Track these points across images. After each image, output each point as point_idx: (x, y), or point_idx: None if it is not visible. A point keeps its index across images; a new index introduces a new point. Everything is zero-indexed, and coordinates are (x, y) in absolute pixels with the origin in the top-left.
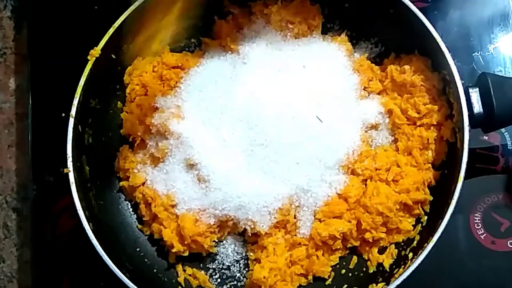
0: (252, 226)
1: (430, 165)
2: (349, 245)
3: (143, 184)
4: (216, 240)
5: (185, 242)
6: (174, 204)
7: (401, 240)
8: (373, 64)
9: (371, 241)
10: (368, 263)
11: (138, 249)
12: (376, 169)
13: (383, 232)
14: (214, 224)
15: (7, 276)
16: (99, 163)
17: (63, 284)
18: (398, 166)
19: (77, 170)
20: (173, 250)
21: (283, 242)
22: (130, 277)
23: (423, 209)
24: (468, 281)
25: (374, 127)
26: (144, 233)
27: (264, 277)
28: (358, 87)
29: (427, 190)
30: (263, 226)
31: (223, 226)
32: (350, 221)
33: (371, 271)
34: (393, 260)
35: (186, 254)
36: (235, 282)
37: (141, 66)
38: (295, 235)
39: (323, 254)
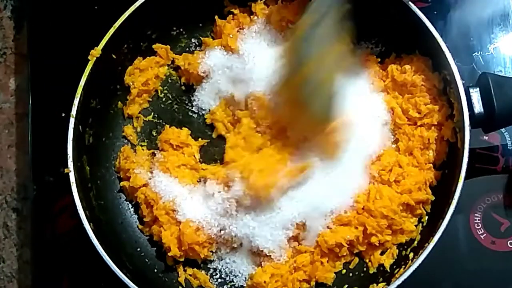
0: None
1: (431, 165)
2: (355, 251)
3: (145, 185)
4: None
5: (183, 248)
6: (176, 210)
7: (404, 241)
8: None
9: (377, 245)
10: (369, 264)
11: (138, 249)
12: (379, 170)
13: (388, 235)
14: (215, 237)
15: (7, 276)
16: (99, 163)
17: (63, 284)
18: (400, 166)
19: (78, 170)
20: (170, 254)
21: (289, 249)
22: (130, 277)
23: (424, 209)
24: (468, 281)
25: (385, 125)
26: (145, 233)
27: (265, 282)
28: (367, 81)
29: (429, 190)
30: (275, 244)
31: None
32: (357, 228)
33: (371, 271)
34: (394, 260)
35: (182, 259)
36: (236, 283)
37: (141, 67)
38: (301, 243)
39: (327, 261)
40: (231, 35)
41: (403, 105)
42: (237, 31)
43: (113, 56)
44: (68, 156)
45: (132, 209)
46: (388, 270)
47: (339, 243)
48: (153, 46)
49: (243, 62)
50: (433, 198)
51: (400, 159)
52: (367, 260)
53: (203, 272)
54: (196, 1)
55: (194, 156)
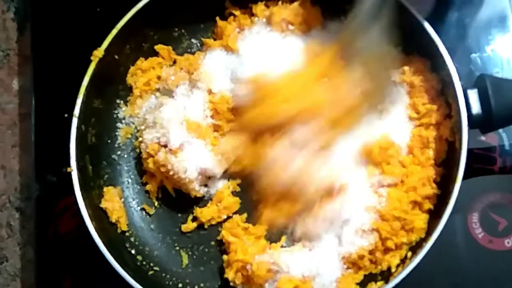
0: None
1: (432, 162)
2: (374, 259)
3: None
4: None
5: None
6: None
7: (414, 239)
8: None
9: (393, 248)
10: (378, 267)
11: (141, 248)
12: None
13: (403, 236)
14: None
15: (11, 275)
16: (102, 162)
17: (66, 283)
18: (403, 166)
19: (80, 169)
20: None
21: None
22: (133, 275)
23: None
24: (465, 280)
25: None
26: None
27: None
28: None
29: (434, 185)
30: None
31: None
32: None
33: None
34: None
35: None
36: None
37: (143, 67)
38: None
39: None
40: (232, 36)
41: None
42: (238, 32)
43: (116, 56)
44: (71, 155)
45: (135, 208)
46: (386, 269)
47: (361, 255)
48: (155, 47)
49: (243, 62)
50: (439, 192)
51: (404, 159)
52: (378, 265)
53: None
54: (197, 2)
55: None
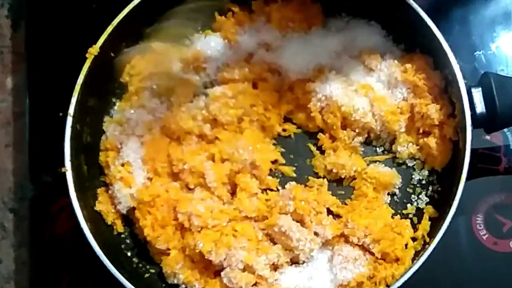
0: None
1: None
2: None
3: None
4: None
5: None
6: None
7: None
8: None
9: (395, 258)
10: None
11: (136, 250)
12: None
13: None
14: None
15: (5, 277)
16: (97, 162)
17: (61, 285)
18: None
19: (75, 169)
20: None
21: None
22: (128, 277)
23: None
24: (470, 281)
25: None
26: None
27: None
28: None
29: None
30: None
31: None
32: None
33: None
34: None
35: None
36: None
37: (140, 65)
38: None
39: None
40: (231, 30)
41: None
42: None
43: (111, 54)
44: (66, 155)
45: None
46: None
47: (361, 282)
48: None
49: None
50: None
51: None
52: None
53: None
54: None
55: None
